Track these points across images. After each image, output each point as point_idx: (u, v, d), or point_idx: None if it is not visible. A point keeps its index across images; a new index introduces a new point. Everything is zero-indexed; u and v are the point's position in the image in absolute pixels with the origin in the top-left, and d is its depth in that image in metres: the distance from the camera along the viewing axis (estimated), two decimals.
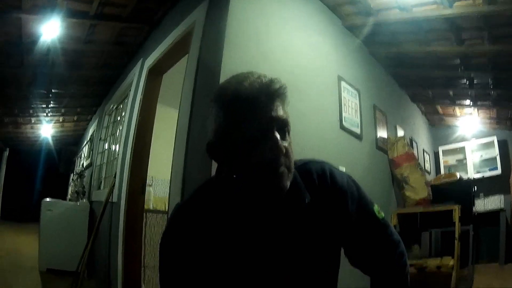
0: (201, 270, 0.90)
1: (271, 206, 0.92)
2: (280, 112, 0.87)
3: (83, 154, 6.66)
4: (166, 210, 4.05)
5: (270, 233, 0.92)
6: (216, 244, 0.90)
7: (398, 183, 3.83)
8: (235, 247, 0.90)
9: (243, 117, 0.84)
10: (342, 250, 1.10)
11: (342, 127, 2.93)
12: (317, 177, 1.00)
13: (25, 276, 4.03)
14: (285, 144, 0.87)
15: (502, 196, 6.40)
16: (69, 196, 5.79)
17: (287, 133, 0.89)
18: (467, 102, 5.05)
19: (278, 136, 0.85)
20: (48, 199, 4.70)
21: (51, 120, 6.78)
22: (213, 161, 1.61)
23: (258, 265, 0.91)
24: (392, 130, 4.08)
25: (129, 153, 3.18)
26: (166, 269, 0.96)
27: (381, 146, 3.68)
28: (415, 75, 4.45)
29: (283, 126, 0.87)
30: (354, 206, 1.02)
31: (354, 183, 1.07)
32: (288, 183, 0.88)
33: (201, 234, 0.90)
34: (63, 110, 6.15)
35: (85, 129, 7.42)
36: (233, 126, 0.85)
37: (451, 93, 4.75)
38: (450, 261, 3.39)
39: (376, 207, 1.08)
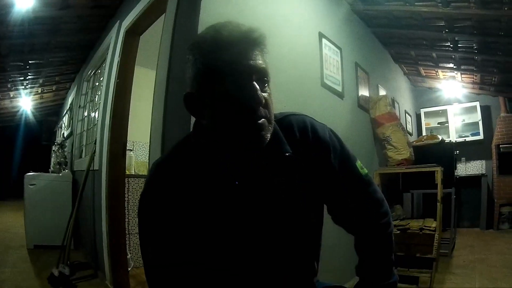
0: (182, 228, 0.88)
1: (251, 159, 0.90)
2: (259, 61, 0.85)
3: (63, 124, 6.56)
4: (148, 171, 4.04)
5: (250, 188, 0.90)
6: (196, 201, 0.87)
7: (380, 143, 3.85)
8: (215, 202, 0.88)
9: (221, 65, 0.81)
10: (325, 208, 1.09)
11: (323, 85, 2.90)
12: (298, 130, 0.98)
13: (13, 254, 4.02)
14: (265, 94, 0.85)
15: (483, 162, 6.56)
16: (51, 168, 5.70)
17: (266, 84, 0.87)
18: (451, 65, 5.05)
19: (256, 85, 0.82)
20: (30, 173, 4.66)
21: (30, 92, 6.62)
22: (192, 119, 1.59)
23: (239, 223, 0.90)
24: (374, 89, 4.09)
25: (109, 118, 3.12)
26: (146, 231, 0.93)
27: (363, 105, 3.68)
28: (398, 34, 4.43)
29: (262, 75, 0.85)
30: (336, 161, 1.00)
31: (336, 137, 1.05)
32: (268, 135, 0.86)
33: (181, 191, 0.88)
34: (41, 81, 5.99)
35: (64, 99, 7.28)
36: (210, 75, 0.83)
37: (434, 55, 4.75)
38: (432, 223, 3.44)
39: (359, 163, 1.06)
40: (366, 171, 1.06)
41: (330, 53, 3.06)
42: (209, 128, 0.88)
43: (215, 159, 0.89)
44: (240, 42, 0.83)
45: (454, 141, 6.22)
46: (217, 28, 0.86)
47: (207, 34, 0.87)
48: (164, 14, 2.38)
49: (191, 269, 0.89)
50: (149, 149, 2.25)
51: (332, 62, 3.07)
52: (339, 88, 3.13)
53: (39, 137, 9.03)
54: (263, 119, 0.84)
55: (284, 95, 2.34)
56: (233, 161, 0.90)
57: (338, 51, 3.20)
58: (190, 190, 0.88)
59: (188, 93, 0.89)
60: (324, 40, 2.98)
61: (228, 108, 0.82)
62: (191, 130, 0.97)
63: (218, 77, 0.82)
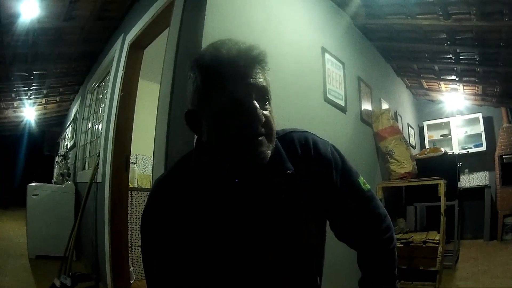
0: (184, 245, 0.88)
1: (253, 177, 0.90)
2: (260, 79, 0.85)
3: (66, 135, 6.58)
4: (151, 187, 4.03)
5: (252, 205, 0.90)
6: (198, 218, 0.88)
7: (383, 156, 3.84)
8: (217, 220, 0.88)
9: (220, 83, 0.81)
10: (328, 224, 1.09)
11: (326, 99, 2.91)
12: (300, 147, 0.98)
13: (14, 264, 4.01)
14: (265, 112, 0.85)
15: (487, 173, 6.52)
16: (54, 179, 5.71)
17: (267, 102, 0.87)
18: (453, 77, 5.06)
19: (256, 104, 0.82)
20: (33, 183, 4.65)
21: (34, 102, 6.66)
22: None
23: (241, 238, 0.90)
24: (376, 103, 4.09)
25: (112, 130, 3.13)
26: (148, 246, 0.94)
27: (366, 119, 3.67)
28: (400, 48, 4.44)
29: (262, 94, 0.85)
30: (338, 177, 1.00)
31: (338, 153, 1.05)
32: (269, 153, 0.86)
33: (183, 208, 0.88)
34: (45, 91, 6.03)
35: (68, 110, 7.31)
36: (209, 93, 0.83)
37: (436, 67, 4.75)
38: (436, 236, 3.43)
39: (361, 179, 1.06)
40: (369, 187, 1.06)
41: (333, 67, 3.07)
42: (209, 145, 0.88)
43: (216, 177, 0.89)
44: (240, 60, 0.83)
45: (457, 153, 6.20)
46: (217, 46, 0.86)
47: (207, 52, 0.87)
48: (168, 28, 2.40)
49: (193, 283, 0.89)
50: (153, 163, 2.25)
51: (335, 77, 3.08)
52: (342, 103, 3.14)
53: (41, 147, 9.05)
54: (262, 137, 0.84)
55: (287, 110, 2.35)
56: (233, 178, 0.90)
57: (341, 65, 3.21)
58: (192, 207, 0.88)
59: (188, 110, 0.90)
60: (327, 55, 2.99)
61: (227, 126, 0.82)
62: (194, 145, 0.98)
63: (217, 95, 0.82)
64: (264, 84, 0.85)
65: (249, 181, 0.90)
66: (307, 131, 1.04)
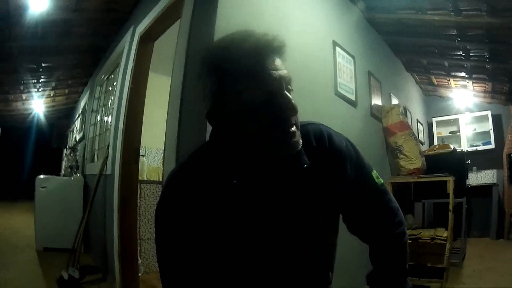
0: (199, 237, 0.88)
1: (271, 170, 0.90)
2: (285, 69, 0.84)
3: (75, 128, 6.61)
4: (160, 180, 4.05)
5: (267, 198, 0.90)
6: (213, 210, 0.88)
7: (392, 152, 3.83)
8: (232, 212, 0.88)
9: (254, 75, 0.80)
10: (341, 217, 1.09)
11: (337, 93, 2.90)
12: (315, 139, 0.98)
13: (22, 256, 4.04)
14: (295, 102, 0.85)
15: (495, 171, 6.49)
16: (62, 171, 5.75)
17: (291, 92, 0.86)
18: (462, 74, 5.02)
19: (289, 94, 0.83)
20: (41, 176, 4.67)
21: (42, 95, 6.69)
22: (207, 126, 1.59)
23: (255, 231, 0.90)
24: (386, 98, 4.08)
25: (122, 123, 3.14)
26: (163, 238, 0.94)
27: (375, 114, 3.66)
28: (410, 43, 4.41)
29: (289, 84, 0.85)
30: (352, 170, 1.00)
31: (352, 146, 1.05)
32: (300, 142, 0.86)
33: (198, 200, 0.88)
34: (54, 84, 6.05)
35: (76, 102, 7.34)
36: (242, 86, 0.81)
37: (446, 64, 4.72)
38: (444, 233, 3.42)
39: (374, 172, 1.06)
40: (382, 181, 1.07)
41: (344, 61, 3.06)
42: (238, 139, 0.87)
43: (233, 170, 0.89)
44: (268, 51, 0.82)
45: (465, 151, 6.17)
46: (241, 37, 0.85)
47: (231, 44, 0.85)
48: (179, 19, 2.39)
49: (207, 276, 0.89)
50: (164, 156, 2.25)
51: (346, 71, 3.07)
52: (352, 97, 3.13)
53: (50, 140, 9.10)
54: (294, 127, 0.84)
55: (298, 103, 2.32)
56: (252, 170, 0.90)
57: (352, 59, 3.20)
58: (206, 199, 0.88)
59: (211, 109, 0.88)
60: (337, 49, 2.98)
61: (262, 119, 0.81)
62: (206, 138, 0.98)
63: (250, 89, 0.80)
64: (289, 74, 0.85)
65: (266, 174, 0.90)
66: (322, 124, 1.04)
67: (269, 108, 0.81)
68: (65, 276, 3.06)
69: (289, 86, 0.85)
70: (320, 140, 0.98)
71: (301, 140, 0.86)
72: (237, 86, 0.82)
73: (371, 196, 1.03)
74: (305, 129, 0.98)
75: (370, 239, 1.08)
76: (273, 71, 0.81)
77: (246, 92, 0.81)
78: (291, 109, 0.82)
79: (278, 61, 0.84)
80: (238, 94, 0.82)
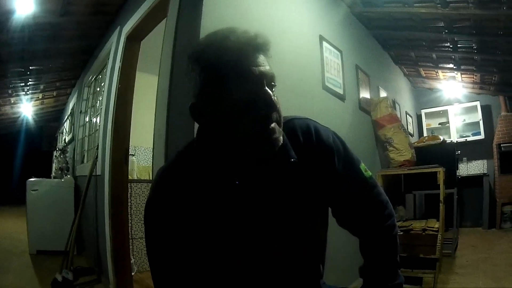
0: (188, 235, 0.88)
1: (257, 165, 0.90)
2: (267, 66, 0.84)
3: (64, 130, 6.57)
4: (151, 179, 4.03)
5: (255, 193, 0.90)
6: (201, 207, 0.88)
7: (382, 144, 3.86)
8: (219, 208, 0.88)
9: (232, 73, 0.80)
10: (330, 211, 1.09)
11: (325, 88, 2.91)
12: (302, 134, 0.98)
13: (16, 260, 4.02)
14: (275, 98, 0.84)
15: (485, 161, 6.56)
16: (53, 174, 5.71)
17: (274, 89, 0.86)
18: (451, 65, 5.07)
19: (269, 90, 0.82)
20: (32, 179, 4.66)
21: (31, 98, 6.63)
22: (196, 124, 1.58)
23: (245, 228, 0.90)
24: (375, 91, 4.10)
25: (110, 123, 3.12)
26: (152, 236, 0.93)
27: (364, 107, 3.68)
28: (398, 36, 4.44)
29: (270, 80, 0.84)
30: (340, 164, 1.00)
31: (339, 140, 1.05)
32: (281, 138, 0.86)
33: (187, 198, 0.88)
34: (42, 87, 6.00)
35: (65, 104, 7.28)
36: (219, 83, 0.82)
37: (434, 56, 4.76)
38: (435, 224, 3.44)
39: (363, 165, 1.06)
40: (370, 174, 1.06)
41: (331, 56, 3.07)
42: (218, 135, 0.87)
43: (219, 166, 0.89)
44: (249, 48, 0.82)
45: (455, 141, 6.22)
46: (223, 34, 0.84)
47: (213, 41, 0.85)
48: (165, 19, 2.38)
49: (197, 273, 0.89)
50: (153, 155, 2.25)
51: (333, 65, 3.08)
52: (340, 91, 3.14)
53: (40, 143, 9.04)
54: (274, 123, 0.83)
55: (285, 98, 2.32)
56: (237, 167, 0.90)
57: (339, 53, 3.21)
58: (195, 196, 0.88)
59: (193, 103, 0.89)
60: (324, 43, 2.98)
61: (241, 115, 0.81)
62: (194, 136, 0.97)
63: (229, 85, 0.80)
64: (271, 71, 0.85)
65: (253, 170, 0.90)
66: (308, 118, 1.03)
67: (248, 104, 0.81)
68: (59, 279, 3.05)
69: (272, 83, 0.85)
70: (307, 135, 0.98)
71: (281, 137, 0.86)
72: (216, 82, 0.82)
73: (360, 189, 1.03)
74: (292, 124, 0.98)
75: (360, 232, 1.08)
76: (254, 67, 0.81)
77: (225, 88, 0.81)
78: (270, 106, 0.82)
79: (261, 58, 0.84)
80: (218, 91, 0.82)
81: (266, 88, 0.82)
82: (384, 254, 1.04)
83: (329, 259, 1.12)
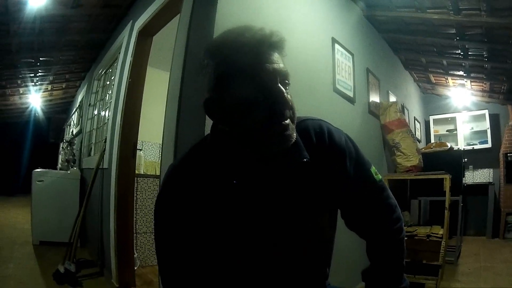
0: (199, 231, 0.88)
1: (269, 164, 0.90)
2: (281, 64, 0.85)
3: (72, 122, 6.60)
4: (157, 174, 4.04)
5: (267, 192, 0.90)
6: (212, 204, 0.88)
7: (389, 149, 3.84)
8: (231, 207, 0.88)
9: (246, 69, 0.81)
10: (339, 213, 1.09)
11: (336, 90, 2.91)
12: (315, 135, 0.98)
13: (19, 250, 4.04)
14: (289, 97, 0.85)
15: (491, 170, 6.53)
16: (59, 165, 5.73)
17: (288, 87, 0.87)
18: (461, 72, 5.04)
19: (282, 87, 0.83)
20: (38, 170, 4.68)
21: (40, 89, 6.68)
22: (206, 121, 1.57)
23: (254, 225, 0.90)
24: (384, 95, 4.10)
25: (119, 117, 3.13)
26: (162, 231, 0.94)
27: (373, 111, 3.68)
28: (409, 41, 4.42)
29: (284, 78, 0.85)
30: (351, 166, 1.00)
31: (352, 143, 1.05)
32: (294, 135, 0.86)
33: (197, 194, 0.88)
34: (51, 78, 6.04)
35: (74, 96, 7.32)
36: (233, 79, 0.82)
37: (444, 62, 4.74)
38: (439, 230, 3.43)
39: (373, 169, 1.06)
40: (380, 177, 1.06)
41: (343, 58, 3.07)
42: (231, 132, 0.88)
43: (232, 164, 0.89)
44: (264, 45, 0.83)
45: (462, 149, 6.19)
46: (238, 32, 0.85)
47: (228, 38, 0.86)
48: (178, 15, 2.38)
49: (205, 271, 0.90)
50: (162, 150, 2.25)
51: (344, 68, 3.08)
52: (350, 94, 3.14)
53: (47, 134, 9.07)
54: (288, 120, 0.84)
55: (296, 98, 2.30)
56: (250, 165, 0.90)
57: (350, 56, 3.21)
58: (206, 193, 0.88)
59: (208, 98, 0.89)
60: (336, 46, 2.98)
61: (254, 111, 0.81)
62: (205, 133, 0.97)
63: (243, 81, 0.81)
64: (285, 69, 0.85)
65: (265, 169, 0.90)
66: (321, 119, 1.03)
67: (261, 100, 0.81)
68: (61, 270, 3.06)
69: (286, 81, 0.85)
70: (320, 136, 0.98)
71: (295, 134, 0.87)
72: (230, 78, 0.83)
73: (369, 192, 1.03)
74: (305, 124, 0.98)
75: (368, 235, 1.08)
76: (267, 64, 0.82)
77: (238, 84, 0.82)
78: (283, 103, 0.82)
79: (275, 55, 0.84)
80: (231, 86, 0.83)
81: (279, 85, 0.83)
82: (391, 257, 1.04)
83: (334, 261, 1.12)
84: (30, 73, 5.64)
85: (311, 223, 0.96)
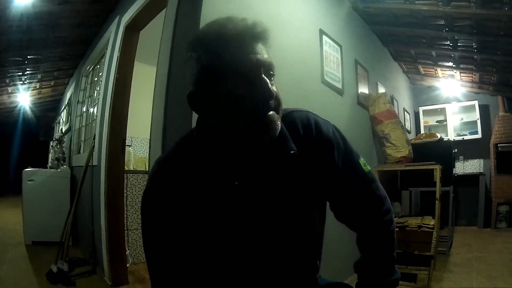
0: (185, 226, 0.87)
1: (256, 156, 0.89)
2: (266, 55, 0.83)
3: (61, 119, 6.53)
4: (147, 170, 4.02)
5: (253, 185, 0.89)
6: (199, 199, 0.87)
7: (379, 140, 3.86)
8: (217, 201, 0.87)
9: (228, 60, 0.80)
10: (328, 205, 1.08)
11: (324, 81, 2.91)
12: (302, 126, 0.97)
13: (11, 251, 4.01)
14: (273, 87, 0.83)
15: (481, 161, 6.58)
16: (49, 164, 5.68)
17: (273, 78, 0.85)
18: (450, 64, 5.06)
19: (266, 78, 0.81)
20: (28, 169, 4.63)
21: (28, 87, 6.59)
22: (193, 115, 1.56)
23: (241, 218, 0.89)
24: (373, 86, 4.11)
25: (108, 113, 3.12)
26: (149, 228, 0.92)
27: (362, 102, 3.68)
28: (398, 32, 4.43)
29: (269, 69, 0.84)
30: (340, 158, 0.99)
31: (339, 134, 1.04)
32: (279, 127, 0.85)
33: (183, 189, 0.87)
34: (40, 76, 5.96)
35: (62, 94, 7.25)
36: (216, 71, 0.81)
37: (433, 53, 4.76)
38: (431, 221, 3.45)
39: (362, 160, 1.05)
40: (369, 168, 1.06)
41: (331, 50, 3.06)
42: (216, 125, 0.86)
43: (219, 157, 0.88)
44: (246, 36, 0.81)
45: (452, 140, 6.23)
46: (221, 23, 0.84)
47: (210, 29, 0.85)
48: (165, 9, 2.37)
49: (194, 267, 0.88)
50: (150, 146, 2.24)
51: (333, 59, 3.07)
52: (339, 85, 3.14)
53: (37, 133, 8.98)
54: (272, 111, 0.83)
55: (284, 90, 2.29)
56: (237, 158, 0.89)
57: (339, 48, 3.20)
58: (193, 188, 0.87)
59: (191, 91, 0.87)
60: (324, 37, 2.98)
61: (238, 103, 0.80)
62: (192, 126, 0.96)
63: (226, 72, 0.80)
64: (270, 59, 0.84)
65: (252, 162, 0.90)
66: (308, 111, 1.03)
67: (244, 91, 0.80)
68: (54, 270, 3.04)
69: (271, 72, 0.84)
70: (307, 128, 0.97)
71: (279, 124, 0.86)
72: (213, 70, 0.82)
73: (358, 183, 1.02)
74: (292, 116, 0.97)
75: (358, 227, 1.08)
76: (251, 55, 0.81)
77: (222, 75, 0.80)
78: (267, 93, 0.81)
79: (259, 46, 0.83)
80: (214, 78, 0.82)
81: (263, 75, 0.81)
82: (381, 249, 1.04)
83: (325, 253, 1.11)
84: (18, 72, 5.56)
85: (301, 216, 0.95)
